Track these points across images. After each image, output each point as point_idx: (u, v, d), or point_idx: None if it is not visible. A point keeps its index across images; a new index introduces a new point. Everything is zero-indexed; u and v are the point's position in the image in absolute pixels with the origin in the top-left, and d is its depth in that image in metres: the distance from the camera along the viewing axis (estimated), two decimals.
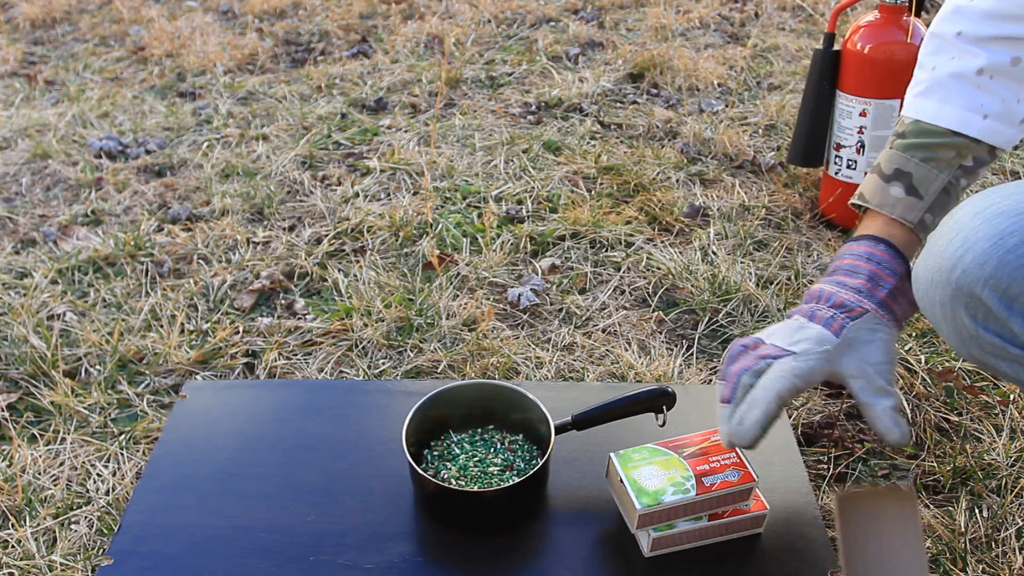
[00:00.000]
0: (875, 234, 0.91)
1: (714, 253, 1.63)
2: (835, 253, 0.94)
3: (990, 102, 0.88)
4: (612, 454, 1.01)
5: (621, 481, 0.98)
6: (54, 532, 1.11)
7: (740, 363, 0.89)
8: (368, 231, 1.75)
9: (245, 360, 1.42)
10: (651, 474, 0.97)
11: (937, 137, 0.89)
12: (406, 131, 2.19)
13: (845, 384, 0.90)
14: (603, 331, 1.46)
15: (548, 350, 1.41)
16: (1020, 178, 1.87)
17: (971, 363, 0.95)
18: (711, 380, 1.34)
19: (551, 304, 1.53)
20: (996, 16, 0.88)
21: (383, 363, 1.40)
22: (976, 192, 0.88)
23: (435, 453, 1.08)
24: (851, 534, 0.99)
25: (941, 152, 0.89)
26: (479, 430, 1.11)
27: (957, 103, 0.89)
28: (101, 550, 1.08)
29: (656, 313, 1.49)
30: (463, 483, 1.02)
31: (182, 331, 1.48)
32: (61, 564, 1.06)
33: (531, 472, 1.00)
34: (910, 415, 1.26)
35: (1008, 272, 0.80)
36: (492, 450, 1.07)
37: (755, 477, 0.97)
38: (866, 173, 0.99)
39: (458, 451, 1.07)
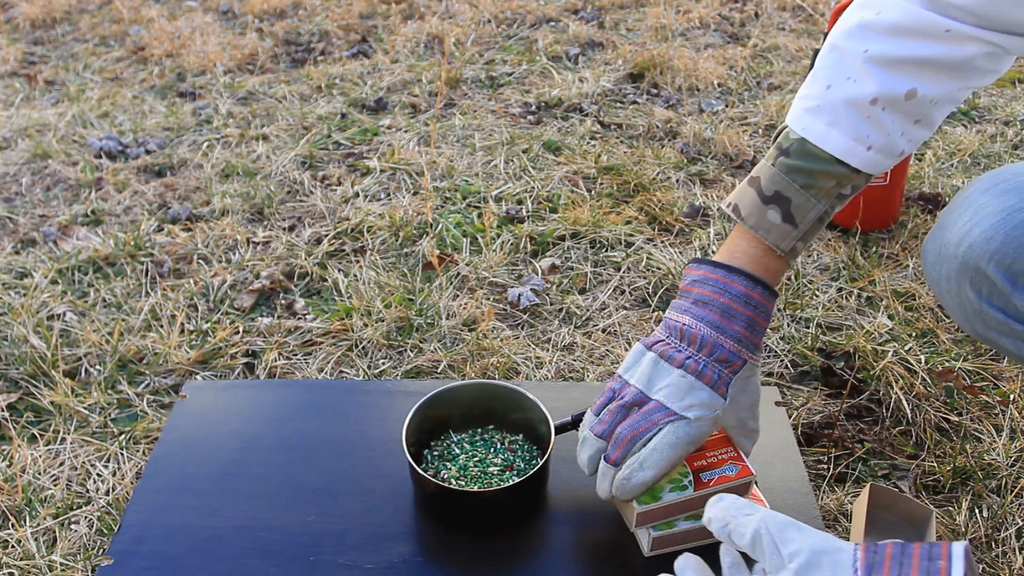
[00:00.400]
0: (751, 272, 0.88)
1: (714, 253, 1.63)
2: (694, 270, 0.92)
3: (876, 135, 0.84)
4: None
5: None
6: (54, 532, 1.11)
7: (628, 424, 0.88)
8: (368, 231, 1.75)
9: (245, 360, 1.42)
10: None
11: (819, 163, 0.85)
12: (406, 131, 2.19)
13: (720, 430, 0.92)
14: (603, 331, 1.46)
15: (548, 350, 1.41)
16: None
17: (974, 338, 0.95)
18: None
19: (551, 304, 1.53)
20: (902, 31, 0.82)
21: (383, 363, 1.40)
22: (986, 171, 0.88)
23: (435, 453, 1.08)
24: (871, 520, 1.01)
25: (822, 180, 0.85)
26: (479, 430, 1.11)
27: (845, 130, 0.84)
28: (101, 550, 1.08)
29: (656, 313, 1.49)
30: (463, 483, 1.02)
31: (182, 331, 1.48)
32: (61, 564, 1.06)
33: (531, 472, 1.00)
34: (910, 415, 1.26)
35: (1014, 248, 0.80)
36: (492, 450, 1.07)
37: (753, 471, 0.96)
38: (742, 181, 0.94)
39: (458, 451, 1.07)
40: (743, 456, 0.96)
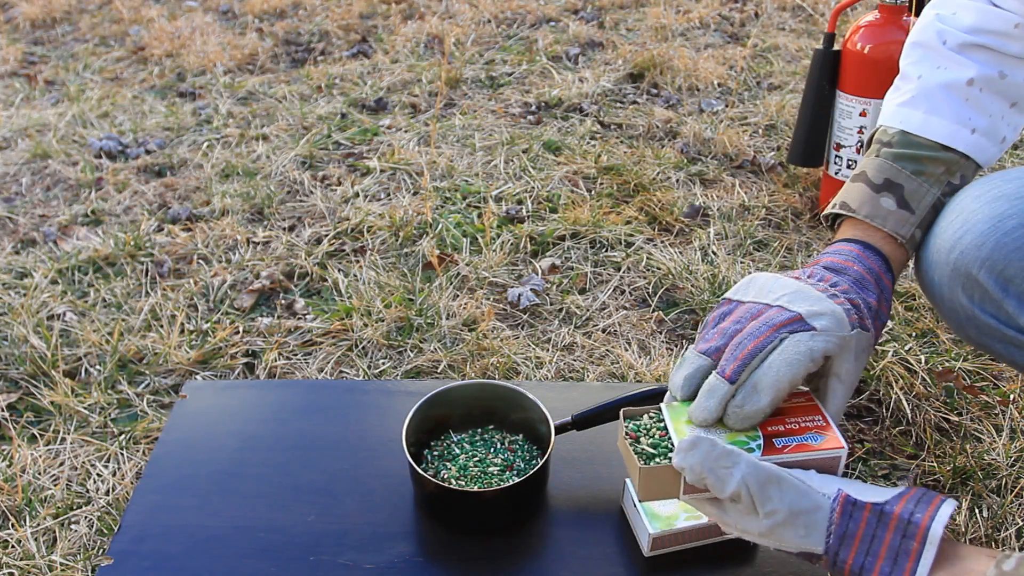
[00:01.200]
0: (883, 252, 0.83)
1: (714, 253, 1.63)
2: (830, 247, 0.85)
3: (978, 117, 0.85)
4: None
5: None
6: (54, 532, 1.11)
7: (748, 332, 0.77)
8: (368, 231, 1.75)
9: (245, 360, 1.42)
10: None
11: (926, 150, 0.86)
12: (406, 131, 2.19)
13: (822, 378, 0.80)
14: (603, 331, 1.46)
15: (548, 350, 1.41)
16: None
17: (968, 344, 0.95)
18: None
19: (551, 304, 1.53)
20: (979, 31, 0.86)
21: (383, 363, 1.40)
22: (976, 179, 0.88)
23: (435, 453, 1.08)
24: None
25: (931, 166, 0.85)
26: (479, 430, 1.11)
27: (945, 115, 0.85)
28: (101, 550, 1.08)
29: (656, 313, 1.49)
30: (463, 483, 1.02)
31: (182, 331, 1.48)
32: (61, 564, 1.06)
33: (531, 472, 1.00)
34: (910, 415, 1.26)
35: (1004, 254, 0.80)
36: (492, 450, 1.07)
37: (844, 444, 0.78)
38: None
39: (458, 451, 1.07)
40: (834, 427, 0.80)
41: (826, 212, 0.90)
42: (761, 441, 0.78)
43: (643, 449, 0.81)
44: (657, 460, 0.79)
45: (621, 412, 0.86)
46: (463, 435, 1.10)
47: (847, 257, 0.83)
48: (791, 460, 0.76)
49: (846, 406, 0.83)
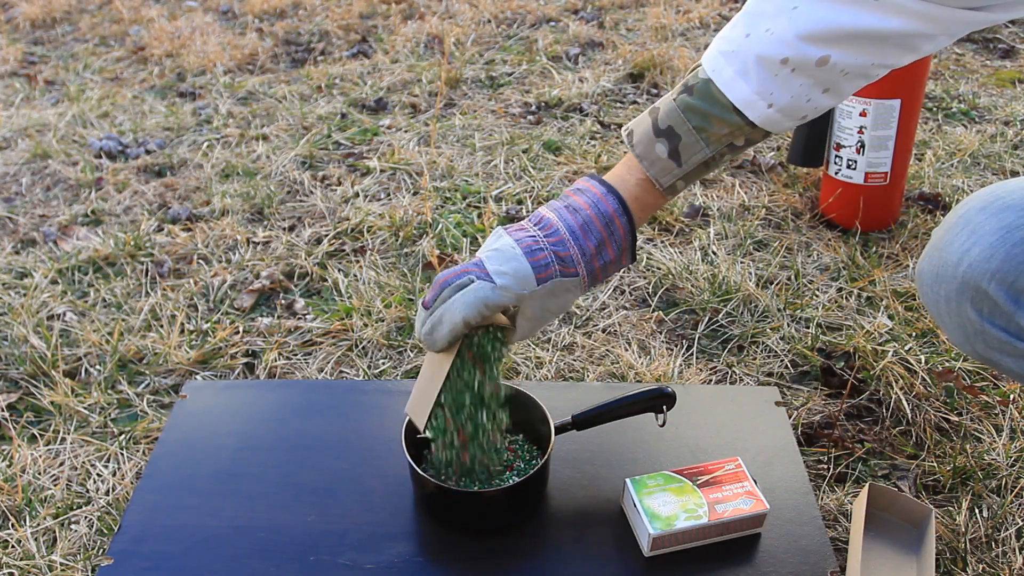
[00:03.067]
0: (624, 197, 0.89)
1: (714, 253, 1.63)
2: (581, 179, 0.94)
3: (780, 95, 0.82)
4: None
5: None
6: (54, 532, 1.11)
7: (449, 272, 0.90)
8: (368, 231, 1.75)
9: (245, 360, 1.42)
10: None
11: (718, 108, 0.84)
12: (406, 131, 2.19)
13: (511, 310, 0.93)
14: (603, 331, 1.46)
15: (548, 350, 1.41)
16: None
17: (975, 359, 0.94)
18: (711, 380, 1.34)
19: None
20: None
21: (383, 363, 1.40)
22: (983, 187, 0.87)
23: None
24: (870, 520, 1.02)
25: (716, 126, 0.85)
26: None
27: (751, 82, 0.83)
28: (101, 550, 1.08)
29: (656, 313, 1.49)
30: (463, 483, 1.02)
31: (182, 331, 1.48)
32: (61, 564, 1.06)
33: (531, 472, 1.00)
34: (910, 415, 1.26)
35: (1015, 266, 0.79)
36: None
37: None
38: (648, 109, 0.93)
39: None
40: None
41: (623, 129, 0.93)
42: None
43: None
44: None
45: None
46: None
47: (588, 199, 0.90)
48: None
49: (533, 334, 0.97)
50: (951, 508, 1.11)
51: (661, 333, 1.45)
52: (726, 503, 0.99)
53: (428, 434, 0.97)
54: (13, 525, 1.12)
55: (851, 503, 1.11)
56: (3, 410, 1.32)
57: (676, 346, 1.42)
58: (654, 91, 2.37)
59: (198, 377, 1.38)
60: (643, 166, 0.89)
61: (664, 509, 0.98)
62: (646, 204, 0.91)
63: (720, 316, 1.47)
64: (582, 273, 0.89)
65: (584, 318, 1.49)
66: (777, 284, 1.55)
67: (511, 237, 0.90)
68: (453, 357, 0.92)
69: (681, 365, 1.36)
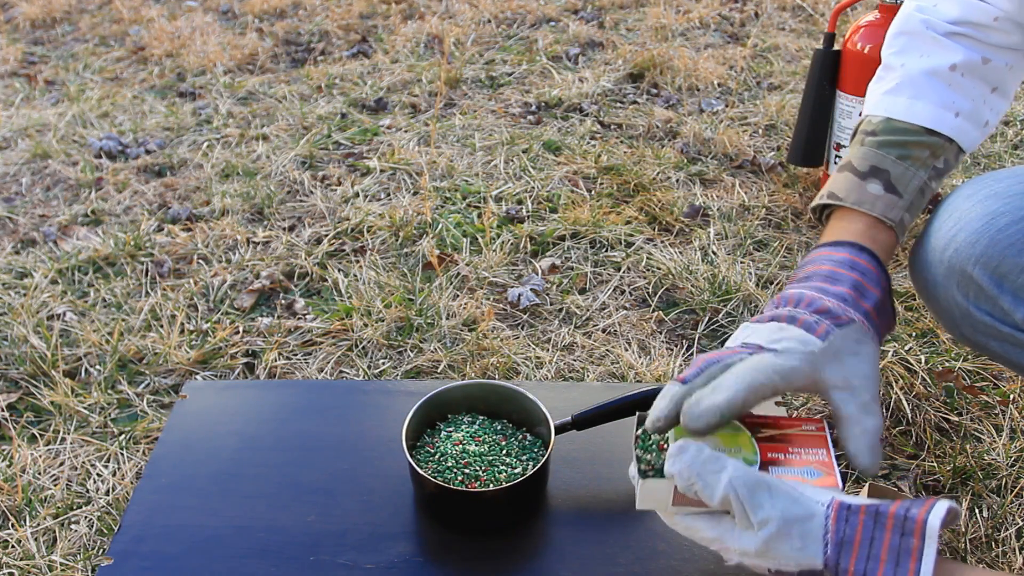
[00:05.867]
0: (855, 240, 0.83)
1: (714, 253, 1.63)
2: (804, 258, 0.86)
3: (961, 100, 0.86)
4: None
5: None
6: (54, 532, 1.11)
7: (710, 354, 0.78)
8: (368, 231, 1.75)
9: (245, 360, 1.42)
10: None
11: (911, 135, 0.86)
12: (406, 131, 2.19)
13: (825, 396, 0.78)
14: (603, 331, 1.46)
15: (548, 350, 1.41)
16: None
17: (963, 343, 0.95)
18: None
19: (551, 304, 1.53)
20: (962, 23, 0.88)
21: (383, 363, 1.40)
22: (969, 179, 0.89)
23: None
24: None
25: (916, 151, 0.86)
26: None
27: (930, 99, 0.86)
28: (101, 550, 1.08)
29: (656, 313, 1.49)
30: (463, 483, 1.02)
31: (182, 331, 1.48)
32: (61, 564, 1.06)
33: (531, 472, 1.00)
34: (910, 415, 1.26)
35: (999, 250, 0.81)
36: None
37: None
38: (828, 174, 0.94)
39: None
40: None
41: (814, 204, 0.89)
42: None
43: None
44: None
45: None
46: None
47: (839, 264, 0.82)
48: None
49: (872, 415, 0.76)
50: None
51: (661, 333, 1.45)
52: (785, 467, 0.77)
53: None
54: (13, 525, 1.12)
55: None
56: (3, 410, 1.32)
57: (676, 346, 1.42)
58: (654, 91, 2.37)
59: (198, 377, 1.38)
60: (864, 209, 0.84)
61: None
62: (881, 243, 0.84)
63: (720, 316, 1.47)
64: (858, 318, 0.78)
65: (584, 318, 1.49)
66: (777, 284, 1.55)
67: (761, 324, 0.80)
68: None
69: (681, 365, 1.36)
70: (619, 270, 1.61)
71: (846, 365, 0.77)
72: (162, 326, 1.49)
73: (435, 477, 1.00)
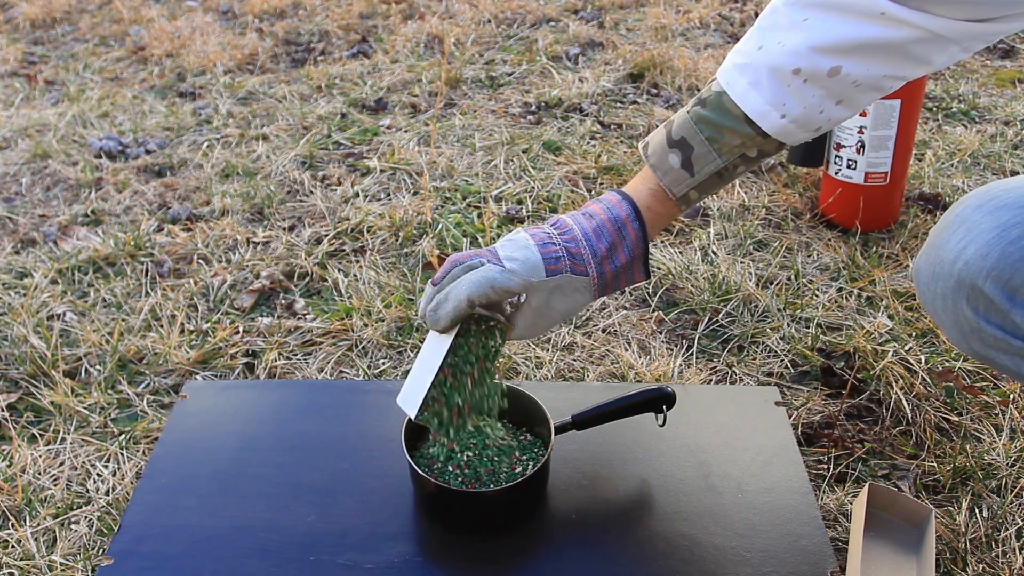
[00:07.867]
0: (639, 203, 0.92)
1: (714, 253, 1.63)
2: (609, 190, 0.94)
3: (792, 105, 0.84)
4: None
5: None
6: (54, 532, 1.11)
7: (462, 254, 0.92)
8: (368, 231, 1.75)
9: (245, 360, 1.42)
10: None
11: (730, 120, 0.86)
12: (406, 131, 2.19)
13: (517, 303, 0.94)
14: (603, 331, 1.46)
15: (548, 350, 1.41)
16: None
17: (972, 357, 0.94)
18: (711, 380, 1.34)
19: None
20: (840, 8, 0.81)
21: (383, 363, 1.40)
22: (979, 187, 0.87)
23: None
24: (870, 520, 1.02)
25: (728, 137, 0.87)
26: None
27: (764, 93, 0.84)
28: (101, 550, 1.08)
29: (656, 313, 1.49)
30: (463, 483, 1.02)
31: (182, 331, 1.48)
32: (61, 564, 1.06)
33: (531, 472, 1.00)
34: (910, 415, 1.26)
35: (1011, 264, 0.80)
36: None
37: None
38: (661, 124, 0.95)
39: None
40: None
41: (642, 142, 0.95)
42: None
43: None
44: None
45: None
46: None
47: (603, 205, 0.93)
48: None
49: (533, 335, 0.95)
50: (951, 508, 1.11)
51: (661, 333, 1.45)
52: None
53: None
54: (13, 525, 1.12)
55: (851, 503, 1.11)
56: (3, 410, 1.32)
57: (676, 346, 1.42)
58: (654, 91, 2.37)
59: (198, 377, 1.38)
60: (657, 176, 0.91)
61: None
62: (659, 214, 0.93)
63: (720, 316, 1.47)
64: (592, 274, 0.90)
65: (584, 318, 1.49)
66: (777, 284, 1.55)
67: (526, 232, 0.92)
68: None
69: (681, 365, 1.36)
70: None
71: (551, 299, 0.90)
72: (162, 326, 1.49)
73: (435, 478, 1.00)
